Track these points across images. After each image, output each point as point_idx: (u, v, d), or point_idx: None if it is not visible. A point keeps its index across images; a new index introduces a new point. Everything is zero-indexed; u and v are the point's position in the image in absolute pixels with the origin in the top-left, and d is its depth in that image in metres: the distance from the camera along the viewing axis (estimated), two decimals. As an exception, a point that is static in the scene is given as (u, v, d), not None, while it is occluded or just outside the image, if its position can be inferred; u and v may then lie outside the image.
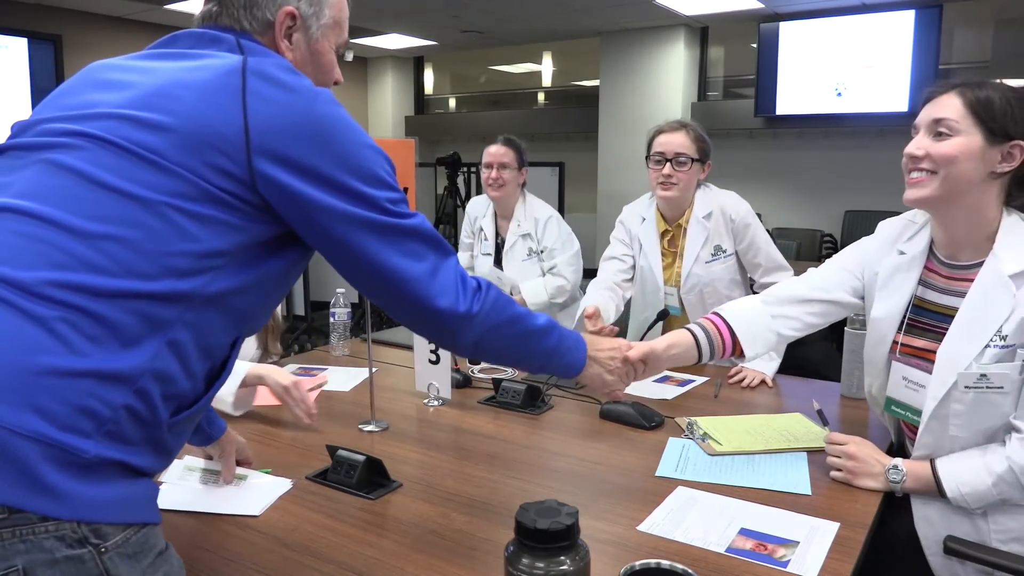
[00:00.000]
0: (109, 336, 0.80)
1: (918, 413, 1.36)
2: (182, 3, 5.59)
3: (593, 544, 0.90)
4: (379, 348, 2.38)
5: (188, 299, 0.86)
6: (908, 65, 5.52)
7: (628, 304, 2.43)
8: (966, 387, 1.26)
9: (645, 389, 1.93)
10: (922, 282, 1.41)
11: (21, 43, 5.67)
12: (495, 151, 2.90)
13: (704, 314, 2.11)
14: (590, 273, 2.37)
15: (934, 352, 1.33)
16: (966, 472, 1.26)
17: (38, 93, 5.72)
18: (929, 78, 5.47)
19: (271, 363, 2.21)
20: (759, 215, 2.39)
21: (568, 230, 3.00)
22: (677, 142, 2.14)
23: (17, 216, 0.82)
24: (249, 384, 1.65)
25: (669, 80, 6.46)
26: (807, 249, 5.81)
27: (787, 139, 6.40)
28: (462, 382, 1.96)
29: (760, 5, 5.69)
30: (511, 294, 2.89)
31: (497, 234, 3.06)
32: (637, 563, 0.86)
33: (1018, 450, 1.22)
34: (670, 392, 1.93)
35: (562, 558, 0.83)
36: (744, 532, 1.18)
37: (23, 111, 5.79)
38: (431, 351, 1.83)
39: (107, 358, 0.80)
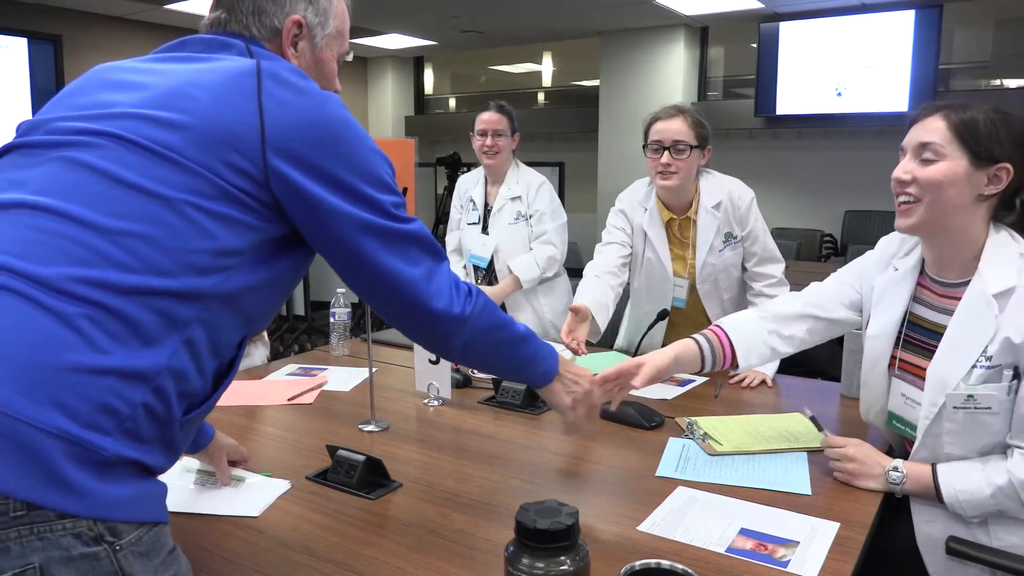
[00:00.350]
0: (130, 333, 0.81)
1: (915, 429, 1.36)
2: (182, 3, 5.59)
3: (593, 544, 0.90)
4: (379, 348, 2.38)
5: (205, 297, 0.87)
6: (908, 65, 5.52)
7: (626, 294, 2.39)
8: (955, 407, 1.26)
9: (645, 389, 1.93)
10: (915, 298, 1.41)
11: (21, 43, 5.67)
12: (488, 118, 2.82)
13: (720, 301, 2.17)
14: (580, 273, 2.26)
15: (925, 370, 1.34)
16: (966, 480, 1.25)
17: (38, 93, 5.72)
18: (929, 78, 5.48)
19: (261, 364, 2.22)
20: (758, 213, 2.37)
21: (559, 202, 2.91)
22: (675, 129, 2.07)
23: (36, 212, 0.83)
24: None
25: (669, 80, 6.46)
26: (807, 249, 5.81)
27: (787, 139, 6.40)
28: (462, 382, 1.96)
29: (760, 5, 5.69)
30: (507, 270, 2.82)
31: (486, 203, 2.97)
32: (637, 563, 0.86)
33: (1019, 464, 1.21)
34: (670, 392, 1.93)
35: (562, 558, 0.83)
36: (744, 532, 1.18)
37: (23, 111, 5.82)
38: (431, 351, 1.82)
39: (128, 356, 0.81)
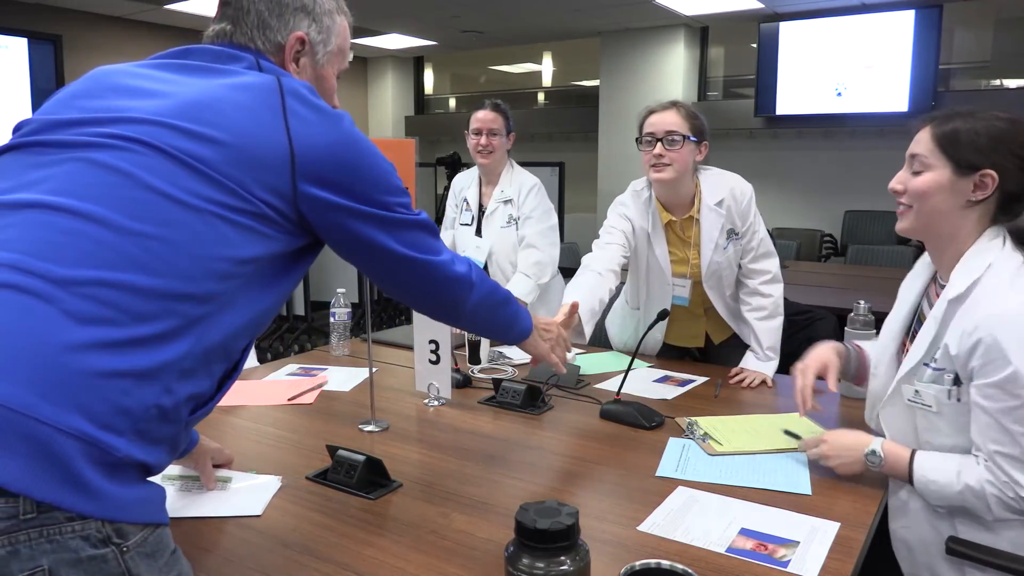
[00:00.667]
0: (149, 335, 0.82)
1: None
2: (182, 3, 5.59)
3: (593, 544, 0.90)
4: (379, 348, 2.38)
5: (221, 301, 0.89)
6: (908, 65, 5.53)
7: (621, 299, 2.38)
8: (908, 400, 1.33)
9: (645, 389, 1.93)
10: (926, 296, 1.45)
11: (21, 43, 5.68)
12: (484, 116, 2.79)
13: (723, 296, 2.21)
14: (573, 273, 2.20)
15: None
16: (936, 471, 1.27)
17: (38, 93, 5.73)
18: (929, 78, 5.48)
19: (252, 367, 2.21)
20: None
21: (550, 206, 2.88)
22: (668, 120, 2.03)
23: (54, 212, 0.82)
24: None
25: (669, 80, 6.47)
26: (807, 249, 5.80)
27: (787, 139, 6.40)
28: (462, 382, 1.96)
29: (760, 5, 5.69)
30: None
31: (480, 204, 2.94)
32: (637, 563, 0.86)
33: (983, 472, 1.22)
34: (670, 392, 1.93)
35: (562, 558, 0.83)
36: (744, 532, 1.18)
37: (23, 111, 5.82)
38: (431, 351, 1.83)
39: (145, 357, 0.81)
